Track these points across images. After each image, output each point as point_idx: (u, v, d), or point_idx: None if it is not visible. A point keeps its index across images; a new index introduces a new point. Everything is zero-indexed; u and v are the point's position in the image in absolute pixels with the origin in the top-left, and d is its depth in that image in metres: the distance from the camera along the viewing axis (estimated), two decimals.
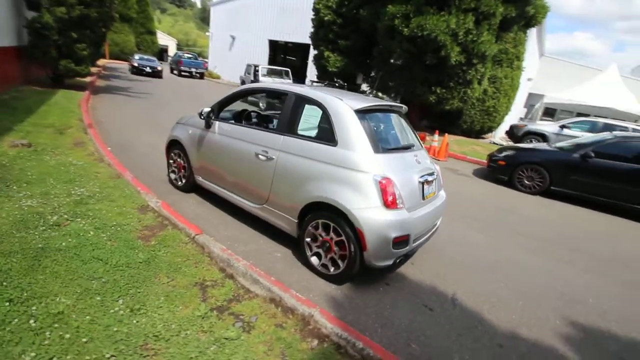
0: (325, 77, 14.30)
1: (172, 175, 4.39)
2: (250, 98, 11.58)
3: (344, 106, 2.87)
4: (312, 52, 16.32)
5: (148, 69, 19.29)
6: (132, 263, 2.57)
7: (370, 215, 2.57)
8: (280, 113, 3.21)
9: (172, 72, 26.81)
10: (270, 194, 3.16)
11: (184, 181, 4.22)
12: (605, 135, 6.92)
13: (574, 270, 3.83)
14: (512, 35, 12.31)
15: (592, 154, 6.26)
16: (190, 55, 26.86)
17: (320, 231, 2.84)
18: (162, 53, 48.05)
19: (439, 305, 2.79)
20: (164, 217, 3.35)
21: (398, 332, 2.40)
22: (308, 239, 2.95)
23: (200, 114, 3.83)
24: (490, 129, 14.51)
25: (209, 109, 3.64)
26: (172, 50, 47.86)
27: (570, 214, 6.07)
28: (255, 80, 15.48)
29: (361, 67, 13.30)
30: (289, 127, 3.10)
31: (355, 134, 2.76)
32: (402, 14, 9.77)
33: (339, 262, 2.77)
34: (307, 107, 3.07)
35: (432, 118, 14.02)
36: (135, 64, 19.18)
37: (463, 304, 2.86)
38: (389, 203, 2.60)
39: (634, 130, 10.80)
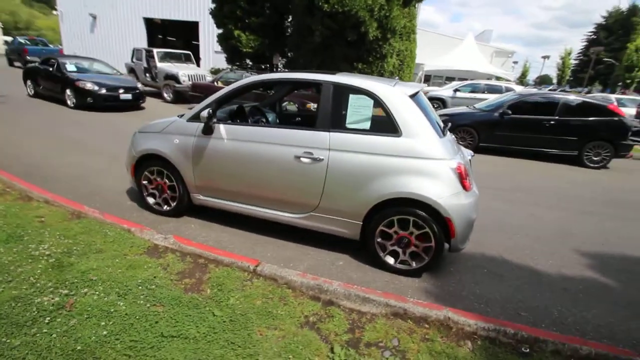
0: (237, 59, 13.17)
1: (150, 200, 3.45)
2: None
3: (399, 93, 2.68)
4: (214, 31, 14.71)
5: None
6: (216, 327, 1.95)
7: (456, 201, 2.54)
8: (319, 107, 2.79)
9: (11, 64, 20.65)
10: (321, 199, 2.79)
11: (172, 204, 3.37)
12: (511, 95, 8.36)
13: (542, 210, 4.62)
14: (406, 10, 13.43)
15: (510, 112, 7.52)
16: (37, 42, 21.07)
17: (396, 228, 2.68)
18: None
19: (503, 270, 3.02)
20: (193, 255, 2.63)
21: (502, 305, 2.50)
22: (380, 239, 2.75)
23: (194, 117, 3.06)
24: None
25: (209, 110, 2.90)
26: None
27: (500, 163, 7.26)
28: (149, 66, 13.18)
29: (276, 46, 12.66)
30: (335, 121, 2.74)
31: (419, 121, 2.63)
32: None
33: (422, 255, 2.69)
34: (353, 98, 2.75)
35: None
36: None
37: (514, 262, 3.16)
38: (467, 186, 2.61)
39: (507, 89, 13.40)
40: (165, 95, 12.19)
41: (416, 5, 14.67)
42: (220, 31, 13.12)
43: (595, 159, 7.36)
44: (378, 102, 2.67)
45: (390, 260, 2.78)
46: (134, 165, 3.40)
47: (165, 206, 3.41)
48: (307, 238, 3.14)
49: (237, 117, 3.44)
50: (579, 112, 7.31)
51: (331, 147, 2.70)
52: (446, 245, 2.65)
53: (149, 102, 11.82)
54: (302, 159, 2.75)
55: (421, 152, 2.57)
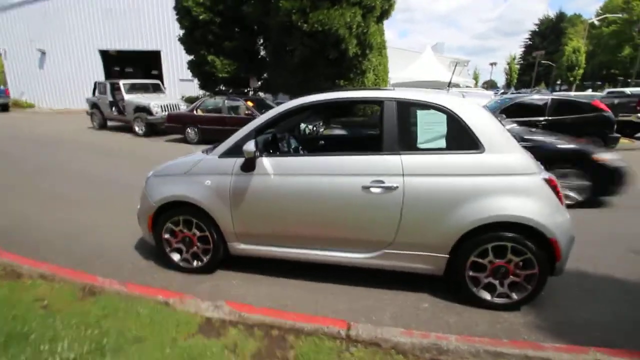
0: (211, 85, 12.63)
1: (176, 256, 2.85)
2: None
3: (474, 105, 2.39)
4: (179, 58, 14.14)
5: None
6: None
7: (558, 219, 2.24)
8: (383, 127, 2.42)
9: None
10: (397, 234, 2.38)
11: (204, 259, 2.79)
12: (506, 100, 8.49)
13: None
14: (380, 26, 13.73)
15: (504, 115, 7.62)
16: None
17: (491, 257, 2.32)
18: None
19: (590, 284, 2.74)
20: (262, 326, 2.08)
21: (628, 330, 2.20)
22: (471, 272, 2.37)
23: (228, 152, 2.57)
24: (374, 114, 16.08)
25: (254, 142, 2.42)
26: None
27: None
28: (115, 100, 12.23)
29: (251, 69, 12.30)
30: (405, 142, 2.38)
31: (501, 133, 2.34)
32: (297, 9, 9.40)
33: (524, 284, 2.34)
34: (421, 114, 2.41)
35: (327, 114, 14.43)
36: None
37: (593, 273, 2.91)
38: (562, 200, 2.33)
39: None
40: (136, 129, 11.30)
41: (383, 23, 15.12)
42: (190, 58, 12.57)
43: None
44: (452, 117, 2.35)
45: (486, 295, 2.40)
46: (152, 216, 2.80)
47: (196, 262, 2.82)
48: (372, 279, 2.69)
49: (272, 147, 2.98)
50: (567, 110, 7.56)
51: (405, 172, 2.32)
52: None
53: (119, 138, 10.90)
54: (371, 189, 2.34)
55: (511, 168, 2.27)
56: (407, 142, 2.38)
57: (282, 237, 2.61)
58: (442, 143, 2.37)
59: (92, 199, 4.75)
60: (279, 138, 3.17)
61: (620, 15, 35.63)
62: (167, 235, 2.82)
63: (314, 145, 3.74)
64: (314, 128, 8.53)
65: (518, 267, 2.32)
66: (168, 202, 2.71)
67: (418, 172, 2.31)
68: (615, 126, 7.51)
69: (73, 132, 11.96)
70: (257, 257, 2.73)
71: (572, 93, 18.97)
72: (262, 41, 12.64)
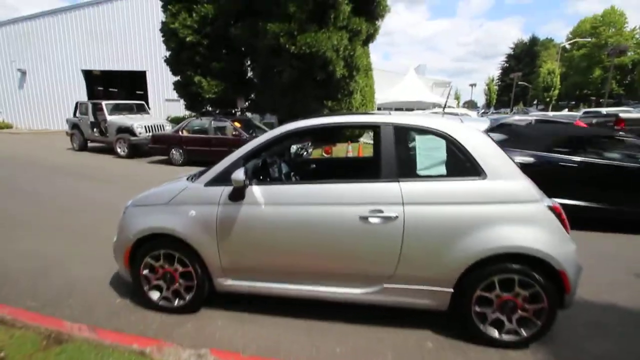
0: (198, 106, 12.48)
1: (155, 295, 2.59)
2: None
3: (474, 130, 2.31)
4: (164, 79, 14.01)
5: None
6: None
7: (565, 249, 2.13)
8: (380, 152, 2.30)
9: None
10: (398, 267, 2.22)
11: (187, 297, 2.54)
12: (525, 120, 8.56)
13: None
14: (365, 49, 14.05)
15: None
16: None
17: (498, 291, 2.18)
18: None
19: (597, 315, 2.62)
20: None
21: None
22: (477, 308, 2.22)
23: (215, 180, 2.39)
24: (362, 134, 16.19)
25: (244, 170, 2.25)
26: None
27: None
28: (97, 120, 11.89)
29: (239, 90, 12.26)
30: (404, 169, 2.26)
31: (502, 158, 2.26)
32: (285, 32, 9.49)
33: (534, 319, 2.19)
34: (420, 139, 2.31)
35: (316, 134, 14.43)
36: None
37: (600, 303, 2.80)
38: (568, 229, 2.23)
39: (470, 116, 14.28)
40: (118, 150, 10.95)
41: (369, 46, 15.51)
42: (176, 79, 12.45)
43: None
44: (451, 142, 2.26)
45: (494, 332, 2.24)
46: (129, 250, 2.55)
47: (178, 300, 2.57)
48: (366, 315, 2.50)
49: (262, 173, 2.81)
50: None
51: (405, 200, 2.19)
52: None
53: (99, 160, 10.51)
54: (369, 219, 2.19)
55: (514, 195, 2.17)
56: (406, 168, 2.27)
57: (274, 271, 2.41)
58: (443, 169, 2.26)
59: (65, 226, 4.42)
60: (269, 163, 3.01)
61: (589, 40, 37.95)
62: (145, 272, 2.57)
63: (305, 170, 3.60)
64: (304, 149, 8.43)
65: (526, 301, 2.18)
66: (147, 234, 2.48)
67: (418, 201, 2.18)
68: None
69: (50, 154, 11.51)
70: (246, 294, 2.50)
71: (551, 113, 19.69)
72: (249, 62, 12.69)
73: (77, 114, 12.43)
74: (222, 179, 2.36)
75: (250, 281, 2.45)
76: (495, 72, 62.18)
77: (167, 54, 12.09)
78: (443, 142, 2.27)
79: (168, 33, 11.38)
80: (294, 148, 3.92)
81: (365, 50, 14.01)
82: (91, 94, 21.29)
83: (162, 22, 11.52)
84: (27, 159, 10.08)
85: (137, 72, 20.70)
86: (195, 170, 2.95)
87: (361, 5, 10.43)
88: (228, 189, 2.35)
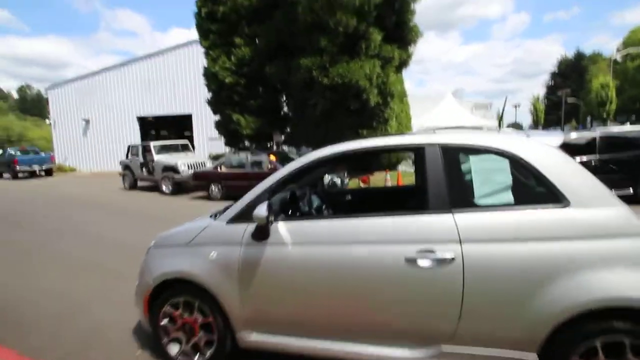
0: (237, 142, 12.91)
1: (174, 349, 2.30)
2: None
3: (544, 146, 1.86)
4: (207, 119, 14.82)
5: None
6: None
7: None
8: (426, 179, 1.92)
9: (0, 176, 20.20)
10: (459, 324, 1.75)
11: (208, 352, 2.22)
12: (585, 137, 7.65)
13: None
14: (399, 75, 13.92)
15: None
16: (27, 152, 21.01)
17: (601, 358, 1.60)
18: None
19: None
20: None
21: None
22: None
23: (238, 217, 2.13)
24: (401, 161, 15.67)
25: (267, 204, 1.99)
26: None
27: None
28: (146, 161, 12.67)
29: (275, 124, 12.55)
30: (457, 198, 1.84)
31: (589, 180, 1.77)
32: (317, 65, 9.65)
33: None
34: (476, 161, 1.91)
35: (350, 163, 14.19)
36: None
37: None
38: None
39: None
40: (163, 187, 11.48)
41: (401, 72, 15.39)
42: (217, 118, 13.09)
43: None
44: (517, 162, 1.82)
45: None
46: (147, 297, 2.33)
47: (198, 356, 2.26)
48: None
49: (292, 208, 2.53)
50: (619, 147, 6.77)
51: (463, 237, 1.75)
52: None
53: (146, 197, 11.03)
54: (418, 261, 1.77)
55: (610, 227, 1.65)
56: (460, 197, 1.85)
57: (304, 325, 2.03)
58: (509, 197, 1.82)
59: (100, 265, 4.41)
60: (299, 196, 2.73)
61: None
62: (164, 321, 2.31)
63: (340, 203, 3.26)
64: (340, 180, 8.13)
65: None
66: (166, 279, 2.25)
67: (480, 237, 1.74)
68: None
69: (103, 193, 12.34)
70: (273, 351, 2.13)
71: (615, 128, 17.69)
72: (284, 98, 13.06)
73: (129, 156, 13.42)
74: (246, 215, 2.10)
75: (278, 336, 2.08)
76: (539, 91, 59.04)
77: (209, 95, 12.82)
78: (506, 163, 1.84)
79: (209, 76, 12.13)
80: (327, 179, 3.64)
81: (399, 76, 13.87)
82: (145, 137, 23.23)
83: (204, 67, 12.34)
84: (81, 198, 10.85)
85: (184, 116, 22.33)
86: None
87: (392, 32, 10.43)
88: (251, 227, 2.07)
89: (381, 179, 10.59)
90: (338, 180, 6.07)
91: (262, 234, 2.03)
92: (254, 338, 2.12)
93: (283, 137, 13.32)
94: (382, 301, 1.86)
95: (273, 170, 8.82)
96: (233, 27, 11.56)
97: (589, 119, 40.23)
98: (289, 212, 2.46)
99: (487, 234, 1.74)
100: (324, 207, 2.78)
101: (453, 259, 1.73)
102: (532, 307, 1.64)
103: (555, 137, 1.94)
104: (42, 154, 21.68)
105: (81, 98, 23.40)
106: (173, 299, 2.27)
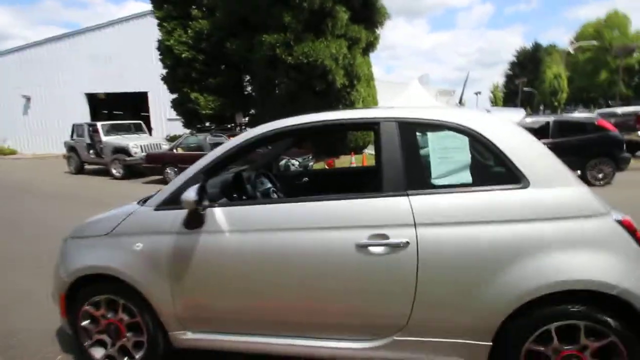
0: (196, 123, 12.15)
1: (98, 352, 2.00)
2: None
3: (507, 123, 1.73)
4: (165, 98, 13.81)
5: None
6: None
7: None
8: (381, 158, 1.72)
9: None
10: (413, 313, 1.61)
11: (138, 355, 1.95)
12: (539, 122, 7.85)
13: None
14: (366, 58, 13.69)
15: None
16: None
17: (556, 343, 1.54)
18: None
19: None
20: None
21: None
22: None
23: (168, 202, 1.83)
24: (367, 144, 15.67)
25: (197, 188, 1.68)
26: None
27: None
28: (93, 142, 11.58)
29: (237, 105, 11.92)
30: (413, 178, 1.67)
31: (549, 160, 1.67)
32: (281, 42, 9.16)
33: None
34: (434, 138, 1.74)
35: (318, 144, 13.93)
36: None
37: None
38: None
39: None
40: (113, 171, 10.61)
41: (369, 55, 15.17)
42: (174, 96, 12.20)
43: (599, 176, 7.02)
44: (477, 140, 1.68)
45: None
46: (64, 295, 1.99)
47: None
48: None
49: (235, 191, 2.25)
50: (571, 131, 7.09)
51: (418, 220, 1.59)
52: None
53: (94, 182, 10.15)
54: (370, 247, 1.60)
55: (569, 208, 1.56)
56: (416, 177, 1.68)
57: (245, 321, 1.81)
58: (467, 176, 1.67)
59: (34, 259, 3.89)
60: (246, 178, 2.45)
61: (594, 43, 37.39)
62: (85, 322, 2.00)
63: (295, 185, 3.03)
64: (298, 162, 7.77)
65: (596, 356, 1.53)
66: (83, 275, 1.92)
67: (436, 220, 1.59)
68: (625, 146, 7.02)
69: (46, 178, 11.21)
70: (211, 350, 1.90)
71: (576, 114, 18.71)
72: (248, 77, 12.42)
73: (74, 137, 12.21)
74: (176, 199, 1.80)
75: (217, 334, 1.85)
76: (499, 80, 61.81)
77: (164, 72, 11.87)
78: (466, 140, 1.69)
79: (164, 50, 11.20)
80: (285, 163, 3.37)
81: (366, 59, 13.67)
82: (95, 117, 21.32)
83: (158, 40, 11.35)
84: (21, 184, 9.75)
85: (140, 93, 20.74)
86: None
87: (359, 12, 10.12)
88: (183, 213, 1.78)
89: (347, 161, 10.48)
90: (296, 163, 5.78)
91: (194, 221, 1.75)
92: (189, 336, 1.87)
93: (247, 119, 12.74)
94: (329, 292, 1.67)
95: None
96: None
97: (541, 107, 42.87)
98: (233, 196, 2.18)
99: (442, 216, 1.59)
100: (272, 190, 2.53)
101: (407, 243, 1.57)
102: (487, 293, 1.53)
103: (517, 114, 1.82)
104: None
105: (19, 72, 20.90)
106: (93, 297, 1.95)
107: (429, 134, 1.74)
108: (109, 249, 1.89)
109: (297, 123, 1.88)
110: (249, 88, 12.47)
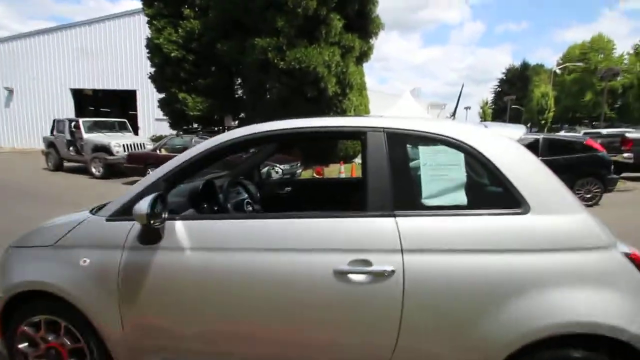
0: (183, 124, 11.84)
1: None
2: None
3: (506, 140, 1.56)
4: (154, 97, 13.46)
5: None
6: None
7: None
8: (367, 173, 1.53)
9: None
10: (395, 352, 1.41)
11: None
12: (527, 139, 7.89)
13: None
14: (359, 67, 13.67)
15: None
16: None
17: None
18: None
19: None
20: None
21: None
22: None
23: (121, 212, 1.60)
24: (358, 153, 15.58)
25: (152, 199, 1.43)
26: None
27: None
28: (74, 139, 11.13)
29: (227, 107, 11.66)
30: (402, 197, 1.48)
31: (552, 183, 1.50)
32: (274, 47, 9.01)
33: None
34: (425, 152, 1.56)
35: (306, 152, 13.74)
36: None
37: None
38: None
39: None
40: (93, 169, 10.18)
41: (363, 65, 15.18)
42: (162, 96, 11.88)
43: (587, 196, 7.02)
44: (474, 157, 1.50)
45: None
46: (0, 313, 1.72)
47: None
48: None
49: (204, 201, 2.02)
50: (559, 150, 7.09)
51: (405, 245, 1.40)
52: None
53: (72, 180, 9.70)
54: (350, 275, 1.40)
55: (573, 238, 1.39)
56: (405, 196, 1.50)
57: (205, 353, 1.58)
58: (461, 198, 1.49)
59: None
60: (218, 187, 2.22)
61: (580, 64, 38.60)
62: (22, 345, 1.73)
63: (276, 196, 2.81)
64: (293, 168, 7.50)
65: None
66: (22, 291, 1.66)
67: (426, 247, 1.40)
68: (612, 166, 7.05)
69: (23, 174, 10.69)
70: None
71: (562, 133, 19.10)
72: (239, 81, 12.20)
73: (54, 132, 11.72)
74: (129, 211, 1.56)
75: None
76: (489, 96, 63.16)
77: (152, 70, 11.57)
78: (461, 157, 1.51)
79: (153, 48, 10.91)
80: (267, 170, 3.13)
81: (359, 68, 13.64)
82: (81, 114, 20.65)
83: (147, 38, 11.06)
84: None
85: (128, 91, 20.27)
86: None
87: (354, 21, 10.08)
88: (138, 227, 1.55)
89: (336, 170, 10.31)
90: (280, 170, 5.53)
91: (149, 235, 1.52)
92: None
93: (236, 122, 12.49)
94: (306, 322, 1.46)
95: None
96: None
97: (529, 125, 43.83)
98: (202, 207, 1.96)
99: (433, 242, 1.40)
100: (246, 201, 2.30)
101: (393, 271, 1.37)
102: (479, 334, 1.34)
103: (517, 130, 1.65)
104: None
105: (3, 64, 20.20)
106: (32, 317, 1.69)
107: (421, 148, 1.55)
108: (52, 263, 1.64)
109: (278, 128, 1.68)
110: (239, 91, 12.25)
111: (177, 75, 10.73)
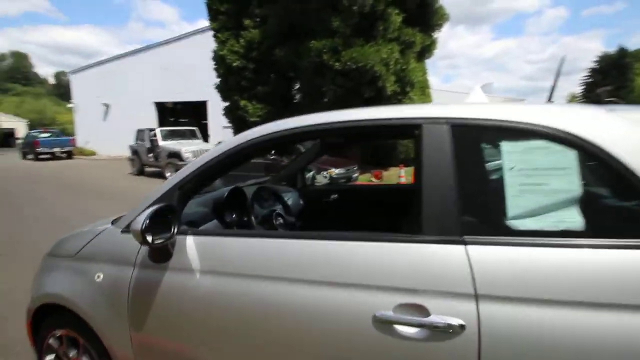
0: (244, 129, 12.28)
1: None
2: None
3: (636, 128, 1.01)
4: (220, 105, 14.29)
5: None
6: None
7: None
8: (421, 180, 1.12)
9: (24, 157, 20.77)
10: None
11: None
12: None
13: None
14: (421, 64, 12.80)
15: None
16: (49, 133, 21.45)
17: None
18: (6, 137, 38.79)
19: None
20: None
21: None
22: None
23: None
24: None
25: (151, 211, 1.21)
26: (22, 132, 38.84)
27: None
28: (152, 146, 12.29)
29: (285, 113, 11.81)
30: (474, 214, 1.04)
31: None
32: (329, 48, 8.80)
33: None
34: (509, 149, 1.08)
35: (364, 154, 13.25)
36: None
37: None
38: None
39: None
40: (167, 174, 11.08)
41: (425, 61, 14.20)
42: (226, 104, 12.52)
43: None
44: (593, 157, 0.99)
45: None
46: (31, 322, 1.69)
47: None
48: None
49: (231, 211, 1.78)
50: None
51: (480, 288, 0.95)
52: None
53: (148, 184, 10.66)
54: (396, 327, 1.00)
55: None
56: (480, 215, 1.05)
57: None
58: (573, 219, 0.99)
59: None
60: (256, 196, 1.96)
61: None
62: (49, 357, 1.67)
63: (318, 206, 2.48)
64: (348, 172, 7.07)
65: None
66: (45, 303, 1.59)
67: (514, 293, 0.93)
68: None
69: (110, 178, 12.11)
70: None
71: None
72: (297, 86, 12.29)
73: (137, 141, 13.14)
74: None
75: None
76: (577, 89, 55.18)
77: (218, 81, 12.28)
78: (572, 158, 1.01)
79: (218, 60, 11.55)
80: (312, 174, 2.78)
81: (421, 65, 12.77)
82: (163, 124, 23.09)
83: (213, 51, 11.75)
84: (85, 182, 10.59)
85: (200, 102, 22.04)
86: None
87: (414, 14, 9.40)
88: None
89: (395, 175, 9.64)
90: (327, 175, 4.99)
91: (157, 253, 1.31)
92: None
93: None
94: None
95: (273, 160, 8.05)
96: (243, 8, 10.87)
97: None
98: (228, 218, 1.72)
99: (527, 286, 0.93)
100: (276, 213, 1.97)
101: (462, 326, 0.94)
102: None
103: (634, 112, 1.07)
104: (63, 137, 22.13)
105: (102, 82, 23.60)
106: (55, 330, 1.61)
107: (505, 145, 1.08)
108: (70, 275, 1.55)
109: (313, 123, 1.36)
110: (297, 96, 12.33)
111: (239, 84, 11.19)
